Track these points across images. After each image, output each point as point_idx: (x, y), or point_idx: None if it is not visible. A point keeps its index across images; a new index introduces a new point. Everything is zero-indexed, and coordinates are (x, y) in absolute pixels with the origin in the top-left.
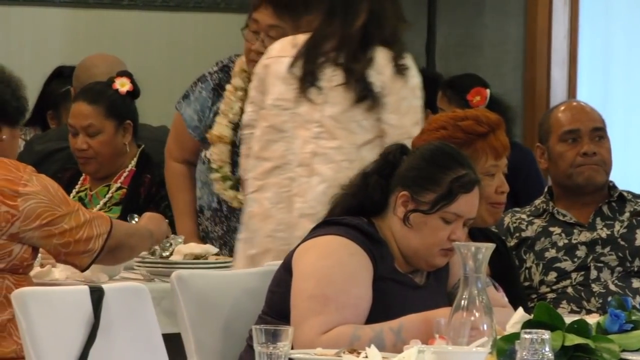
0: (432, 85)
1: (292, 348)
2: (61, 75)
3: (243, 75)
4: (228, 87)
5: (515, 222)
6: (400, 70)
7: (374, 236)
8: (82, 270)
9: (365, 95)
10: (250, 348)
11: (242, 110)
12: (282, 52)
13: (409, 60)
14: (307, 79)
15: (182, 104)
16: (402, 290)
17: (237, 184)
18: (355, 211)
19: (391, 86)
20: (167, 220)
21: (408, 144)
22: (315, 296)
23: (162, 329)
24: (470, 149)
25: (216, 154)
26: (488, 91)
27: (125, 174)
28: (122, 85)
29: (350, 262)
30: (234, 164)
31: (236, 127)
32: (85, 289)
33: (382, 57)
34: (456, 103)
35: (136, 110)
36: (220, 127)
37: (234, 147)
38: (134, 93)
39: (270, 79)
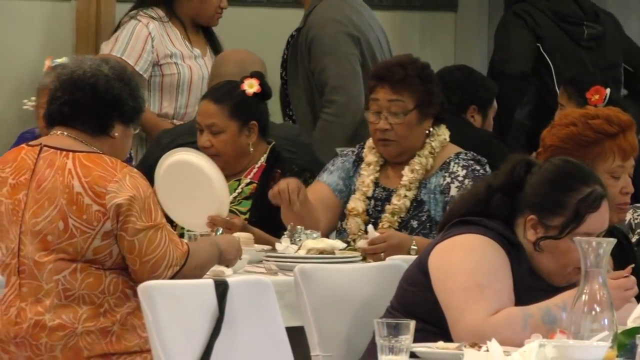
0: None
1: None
2: None
3: (373, 152)
4: (362, 164)
5: (637, 219)
6: None
7: (512, 239)
8: None
9: None
10: (374, 341)
11: (374, 184)
12: None
13: None
14: None
15: (323, 176)
16: (535, 293)
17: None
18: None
19: None
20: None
21: None
22: (470, 287)
23: (285, 322)
24: (598, 148)
25: (351, 226)
26: (608, 90)
27: (255, 170)
28: (250, 86)
29: (494, 255)
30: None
31: (369, 200)
32: (210, 282)
33: None
34: (575, 100)
35: (265, 111)
36: (355, 201)
37: (369, 218)
38: (263, 94)
39: None
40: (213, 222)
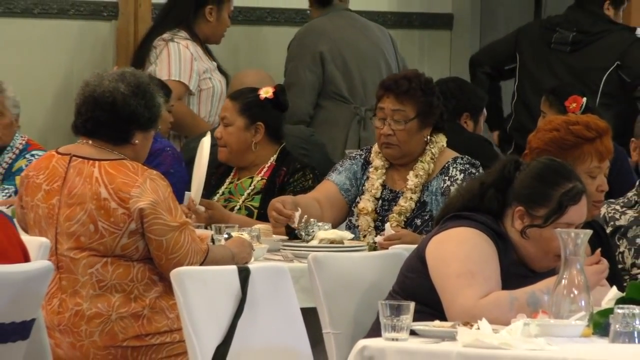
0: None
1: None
2: None
3: (379, 156)
4: (370, 168)
5: (610, 212)
6: None
7: (499, 231)
8: None
9: None
10: (378, 320)
11: (382, 187)
12: None
13: None
14: None
15: (332, 175)
16: (519, 279)
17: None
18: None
19: None
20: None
21: None
22: (462, 274)
23: (300, 303)
24: (578, 151)
25: (361, 224)
26: (584, 99)
27: (265, 169)
28: (266, 92)
29: (484, 246)
30: (377, 228)
31: (377, 200)
32: (234, 268)
33: None
34: (556, 107)
35: (276, 116)
36: (365, 202)
37: (377, 216)
38: (276, 102)
39: None
40: (189, 203)
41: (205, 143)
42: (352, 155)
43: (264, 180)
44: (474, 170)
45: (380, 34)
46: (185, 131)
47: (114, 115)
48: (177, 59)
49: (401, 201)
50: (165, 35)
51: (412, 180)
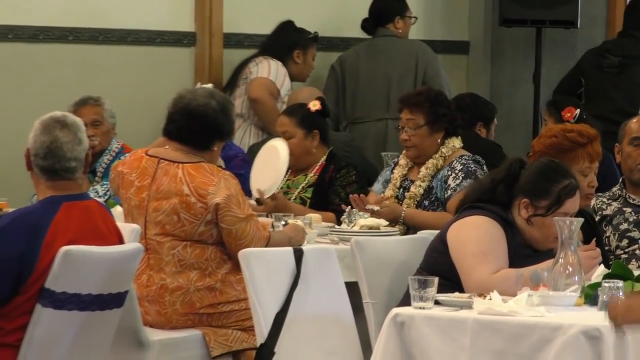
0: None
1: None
2: None
3: (404, 157)
4: (397, 166)
5: (598, 204)
6: None
7: (507, 219)
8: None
9: None
10: (408, 292)
11: (403, 178)
12: None
13: None
14: None
15: (374, 185)
16: (524, 258)
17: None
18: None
19: None
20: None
21: None
22: (477, 253)
23: (344, 278)
24: (572, 153)
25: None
26: (578, 110)
27: (317, 167)
28: (314, 105)
29: (495, 231)
30: None
31: (398, 189)
32: (290, 250)
33: None
34: (554, 116)
35: (325, 124)
36: (388, 190)
37: (398, 201)
38: (323, 112)
39: None
40: (259, 194)
41: (282, 147)
42: (389, 162)
43: (316, 176)
44: (474, 166)
45: (398, 56)
46: (267, 119)
47: (204, 126)
48: (275, 68)
49: (412, 188)
50: (267, 57)
51: (422, 172)
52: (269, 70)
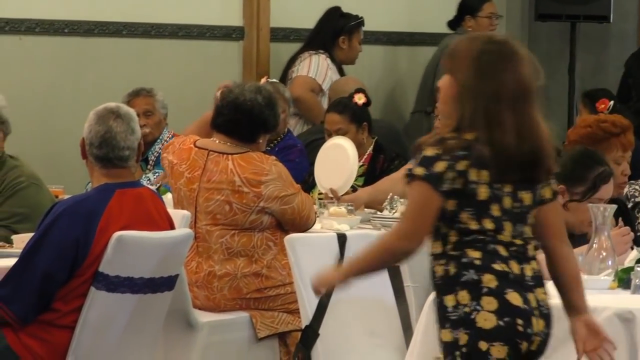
0: None
1: None
2: None
3: None
4: None
5: (631, 191)
6: None
7: None
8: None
9: None
10: None
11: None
12: None
13: None
14: None
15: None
16: None
17: None
18: None
19: None
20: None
21: None
22: None
23: None
24: (606, 143)
25: None
26: (612, 102)
27: (365, 157)
28: (359, 99)
29: None
30: None
31: None
32: (333, 235)
33: None
34: (589, 108)
35: (369, 114)
36: None
37: None
38: (367, 103)
39: None
40: (333, 194)
41: (349, 146)
42: None
43: (365, 166)
44: None
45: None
46: (310, 116)
47: (250, 120)
48: (316, 64)
49: None
50: (310, 51)
51: None
52: (309, 67)
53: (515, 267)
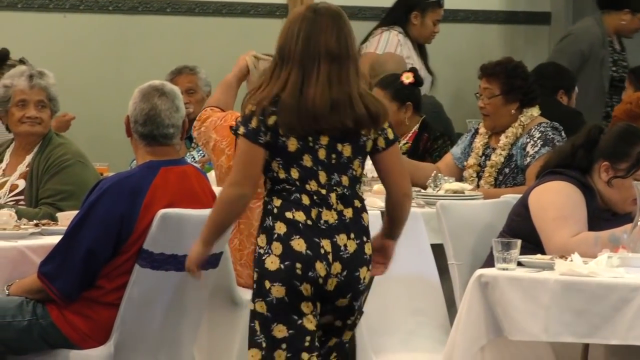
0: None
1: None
2: None
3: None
4: (477, 135)
5: None
6: None
7: (587, 184)
8: None
9: None
10: (492, 254)
11: (485, 146)
12: None
13: None
14: None
15: (453, 148)
16: (602, 222)
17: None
18: (564, 168)
19: None
20: None
21: None
22: (557, 217)
23: (430, 240)
24: None
25: (466, 175)
26: None
27: (409, 135)
28: (407, 78)
29: (575, 196)
30: (478, 177)
31: (480, 157)
32: (377, 213)
33: None
34: (634, 85)
35: (418, 94)
36: (470, 159)
37: (480, 168)
38: (416, 83)
39: None
40: None
41: None
42: (469, 128)
43: (409, 144)
44: (551, 133)
45: None
46: None
47: None
48: (385, 40)
49: (493, 156)
50: (384, 27)
51: (502, 140)
52: (378, 44)
53: (313, 214)
